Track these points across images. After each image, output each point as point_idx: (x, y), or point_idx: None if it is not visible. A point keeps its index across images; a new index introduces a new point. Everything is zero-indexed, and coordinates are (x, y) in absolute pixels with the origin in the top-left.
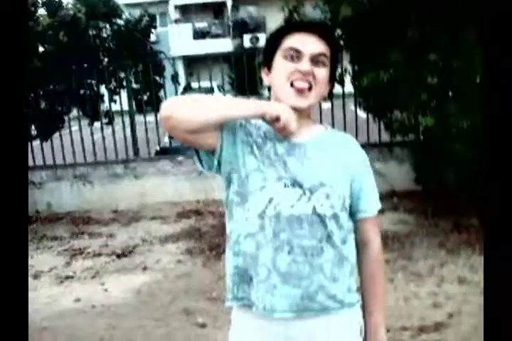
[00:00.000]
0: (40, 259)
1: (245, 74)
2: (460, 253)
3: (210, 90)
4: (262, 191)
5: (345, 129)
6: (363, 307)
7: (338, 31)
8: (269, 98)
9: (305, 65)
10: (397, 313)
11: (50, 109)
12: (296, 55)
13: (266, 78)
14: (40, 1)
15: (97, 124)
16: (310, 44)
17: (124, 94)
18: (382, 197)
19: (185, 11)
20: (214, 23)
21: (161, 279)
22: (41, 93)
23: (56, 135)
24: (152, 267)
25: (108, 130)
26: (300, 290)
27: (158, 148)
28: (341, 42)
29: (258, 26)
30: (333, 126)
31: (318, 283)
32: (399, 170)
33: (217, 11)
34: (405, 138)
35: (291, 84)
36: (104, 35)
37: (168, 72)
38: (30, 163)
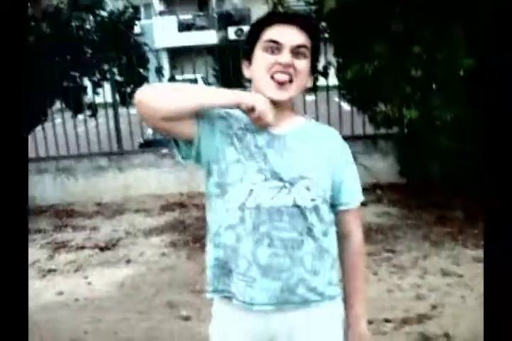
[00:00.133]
0: None
1: (230, 66)
2: (443, 245)
3: (194, 82)
4: (242, 183)
5: (329, 122)
6: (344, 300)
7: (323, 24)
8: None
9: (285, 57)
10: (381, 305)
11: (32, 101)
12: (276, 47)
13: (246, 71)
14: None
15: (80, 117)
16: (290, 36)
17: (107, 86)
18: (366, 190)
19: (169, 2)
20: (199, 15)
21: (144, 272)
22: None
23: (39, 128)
24: (136, 260)
25: (91, 122)
26: (280, 282)
27: (142, 141)
28: (326, 35)
29: (243, 18)
30: (317, 118)
31: (299, 275)
32: (383, 163)
33: (202, 3)
34: (389, 131)
35: (272, 77)
36: (88, 26)
37: (152, 65)
38: None
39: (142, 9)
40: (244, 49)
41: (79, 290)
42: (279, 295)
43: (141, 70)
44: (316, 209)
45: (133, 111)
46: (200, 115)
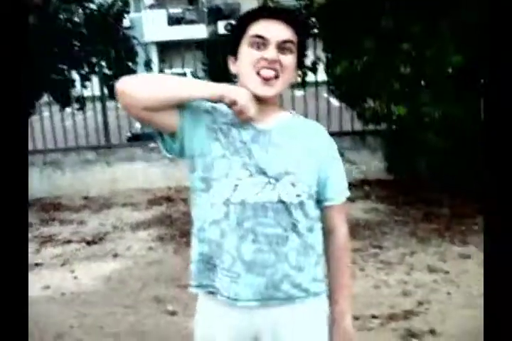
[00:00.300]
0: None
1: (219, 60)
2: (430, 241)
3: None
4: (227, 178)
5: (318, 117)
6: (329, 296)
7: (313, 19)
8: None
9: (271, 52)
10: (367, 301)
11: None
12: (262, 42)
13: (232, 66)
14: None
15: (68, 110)
16: (276, 31)
17: (95, 79)
18: (354, 186)
19: None
20: (188, 9)
21: (131, 266)
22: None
23: None
24: (123, 254)
25: (79, 116)
26: (264, 278)
27: (129, 135)
28: (315, 30)
29: (233, 13)
30: (306, 114)
31: (283, 271)
32: (371, 159)
33: None
34: (378, 127)
35: (258, 73)
36: (76, 19)
37: (141, 58)
38: None
39: (132, 2)
40: (230, 45)
41: (65, 284)
42: (264, 291)
43: (130, 64)
44: (301, 204)
45: None
46: (183, 107)
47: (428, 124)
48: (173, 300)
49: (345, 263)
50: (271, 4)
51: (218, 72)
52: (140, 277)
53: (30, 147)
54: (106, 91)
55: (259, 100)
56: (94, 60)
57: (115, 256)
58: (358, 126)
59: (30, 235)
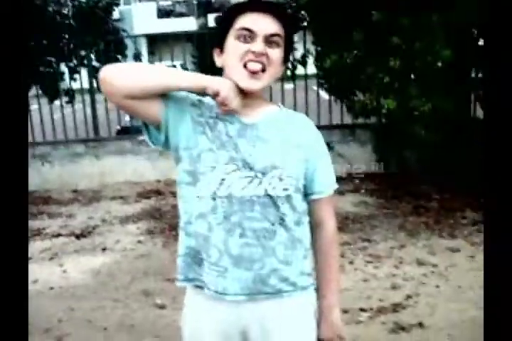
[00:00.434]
0: None
1: (209, 53)
2: (419, 235)
3: None
4: (214, 172)
5: (307, 111)
6: (317, 289)
7: (302, 12)
8: None
9: (259, 45)
10: (356, 295)
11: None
12: (249, 35)
13: (218, 59)
14: None
15: (56, 103)
16: (263, 24)
17: (84, 72)
18: (344, 179)
19: None
20: (178, 1)
21: (120, 260)
22: None
23: None
24: (112, 248)
25: (68, 109)
26: (252, 273)
27: (119, 128)
28: (305, 23)
29: (223, 5)
30: (295, 107)
31: (271, 266)
32: (360, 152)
33: None
34: (367, 121)
35: (244, 66)
36: (65, 11)
37: (131, 51)
38: None
39: None
40: (216, 37)
41: (54, 278)
42: (251, 285)
43: (119, 56)
44: (288, 198)
45: None
46: (168, 98)
47: (417, 118)
48: (162, 293)
49: (333, 257)
50: None
51: (208, 64)
52: (129, 271)
53: None
54: (95, 84)
55: (245, 94)
56: (83, 52)
57: (104, 249)
58: (348, 119)
59: None
